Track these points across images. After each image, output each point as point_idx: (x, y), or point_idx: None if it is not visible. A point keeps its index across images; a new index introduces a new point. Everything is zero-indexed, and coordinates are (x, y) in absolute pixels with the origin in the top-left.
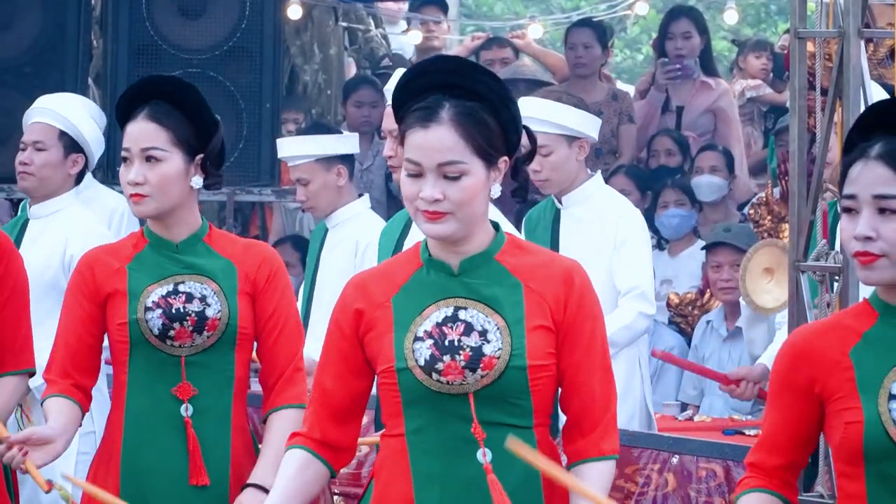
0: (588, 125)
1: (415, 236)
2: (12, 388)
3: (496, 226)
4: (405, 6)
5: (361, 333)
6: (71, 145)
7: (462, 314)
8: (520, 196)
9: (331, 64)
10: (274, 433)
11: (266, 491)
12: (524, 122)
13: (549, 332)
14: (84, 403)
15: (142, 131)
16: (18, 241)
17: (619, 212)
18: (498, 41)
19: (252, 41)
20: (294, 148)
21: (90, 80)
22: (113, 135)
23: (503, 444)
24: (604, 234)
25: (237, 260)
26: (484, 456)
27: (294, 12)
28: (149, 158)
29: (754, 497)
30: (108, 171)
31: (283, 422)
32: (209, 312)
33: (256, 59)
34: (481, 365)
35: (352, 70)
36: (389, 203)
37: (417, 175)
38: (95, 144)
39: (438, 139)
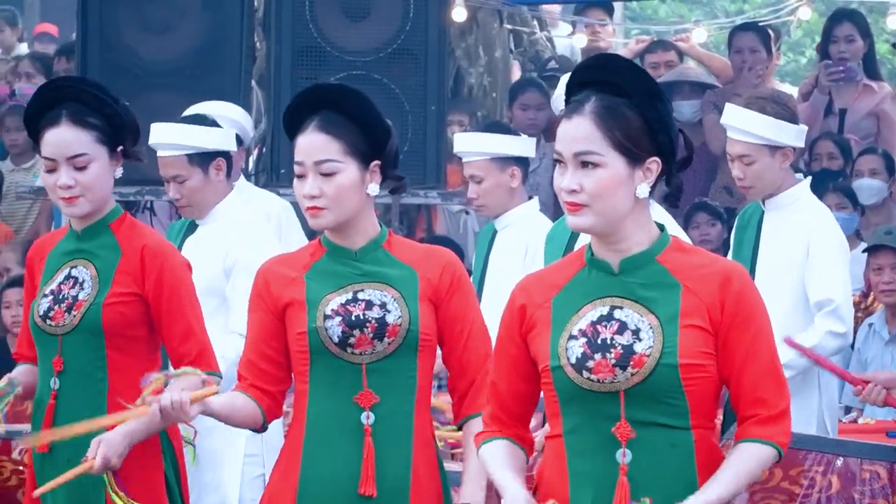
0: (790, 135)
1: (584, 240)
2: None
3: (661, 227)
4: (568, 9)
5: (524, 333)
6: (204, 159)
7: (617, 313)
8: (671, 202)
9: (496, 66)
10: (473, 444)
11: None
12: (727, 131)
13: (705, 332)
14: (266, 405)
15: (313, 144)
16: (182, 243)
17: (816, 222)
18: (662, 44)
19: (417, 43)
20: (471, 144)
21: (253, 83)
22: (277, 138)
23: (652, 444)
24: (799, 242)
25: (418, 266)
26: (623, 456)
27: (458, 14)
28: (323, 171)
29: None
30: (271, 173)
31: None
32: (389, 319)
33: (421, 61)
34: (631, 363)
35: (517, 72)
36: (556, 205)
37: (563, 166)
38: (224, 138)
39: (576, 129)
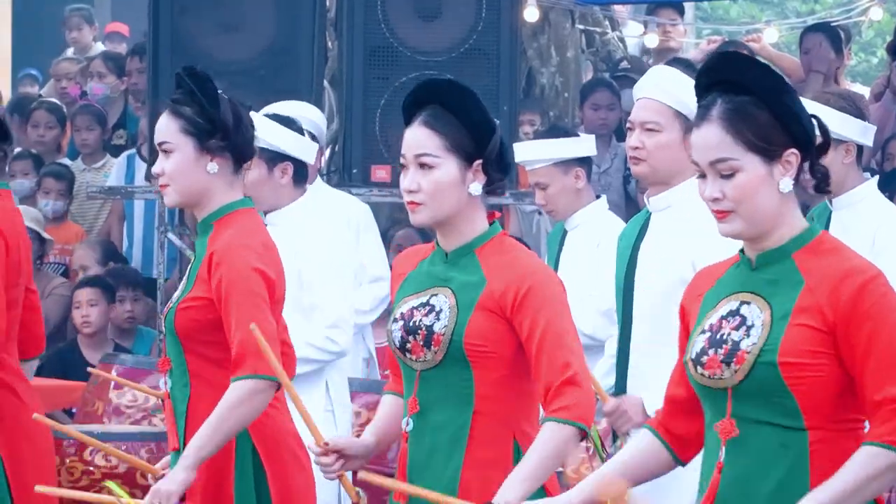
0: (853, 129)
1: (652, 238)
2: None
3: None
4: (640, 9)
5: (686, 324)
6: (272, 158)
7: (743, 309)
8: (820, 190)
9: (568, 66)
10: (534, 445)
11: None
12: None
13: (817, 331)
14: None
15: (415, 137)
16: None
17: (881, 220)
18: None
19: (488, 43)
20: (531, 152)
21: (325, 83)
22: (349, 138)
23: (760, 443)
24: (866, 240)
25: (492, 275)
26: (721, 454)
27: (531, 14)
28: (422, 165)
29: None
30: (343, 173)
31: (545, 434)
32: (436, 327)
33: (493, 61)
34: (735, 359)
35: (589, 73)
36: (627, 205)
37: (702, 175)
38: (302, 147)
39: (706, 137)
